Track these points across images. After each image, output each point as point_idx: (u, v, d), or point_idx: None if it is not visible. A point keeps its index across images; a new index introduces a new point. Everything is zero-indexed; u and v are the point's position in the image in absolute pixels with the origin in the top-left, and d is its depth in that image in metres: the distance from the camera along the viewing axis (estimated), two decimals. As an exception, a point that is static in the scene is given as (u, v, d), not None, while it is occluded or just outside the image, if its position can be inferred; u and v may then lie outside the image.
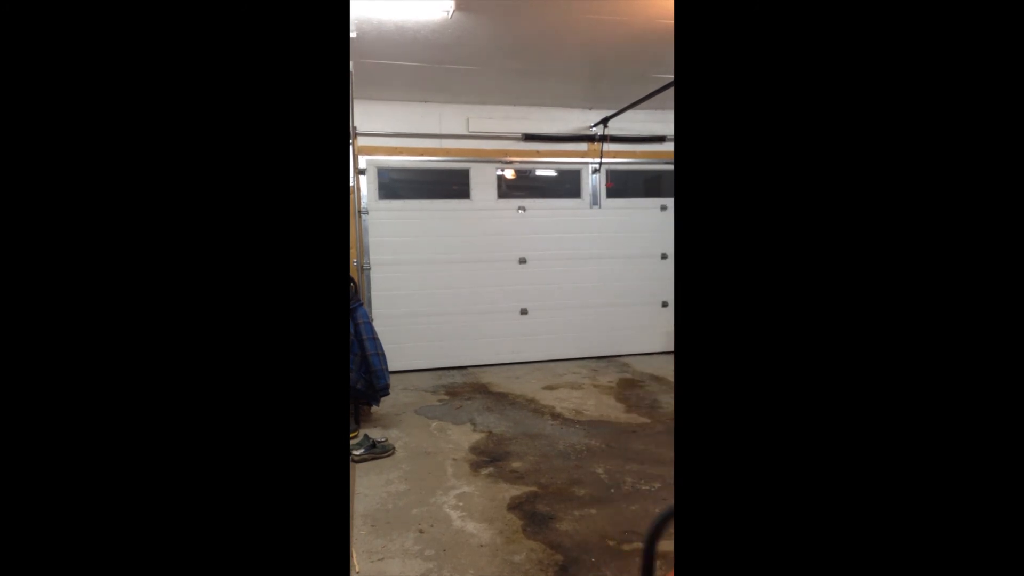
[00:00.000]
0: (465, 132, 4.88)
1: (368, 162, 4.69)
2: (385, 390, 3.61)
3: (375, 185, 4.81)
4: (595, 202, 5.27)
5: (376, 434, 3.34)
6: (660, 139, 5.21)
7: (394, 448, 3.21)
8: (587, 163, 5.19)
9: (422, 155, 4.81)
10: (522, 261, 5.11)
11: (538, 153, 5.06)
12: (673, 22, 0.89)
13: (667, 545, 2.20)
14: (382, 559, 2.16)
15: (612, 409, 3.90)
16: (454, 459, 3.10)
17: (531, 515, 2.47)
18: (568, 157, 5.13)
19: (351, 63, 3.56)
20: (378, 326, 3.82)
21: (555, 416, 3.78)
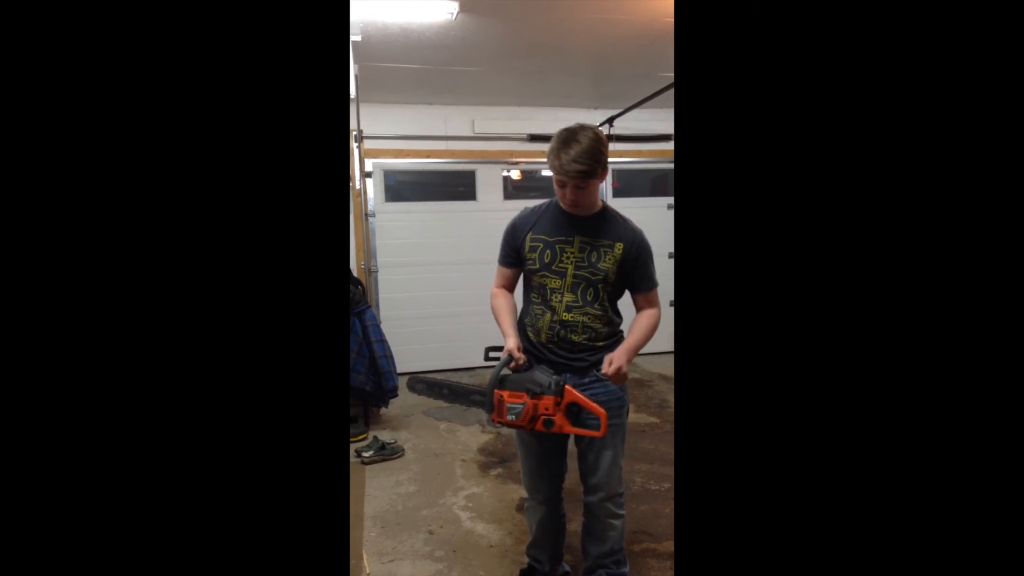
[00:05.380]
0: (471, 134, 4.88)
1: (374, 165, 4.69)
2: (394, 392, 3.62)
3: (381, 188, 4.82)
4: (601, 202, 5.25)
5: (385, 436, 3.35)
6: (666, 138, 5.19)
7: (403, 449, 3.22)
8: (593, 163, 5.18)
9: (428, 157, 4.82)
10: (529, 262, 5.10)
11: (544, 154, 5.04)
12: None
13: (668, 546, 2.20)
14: (392, 560, 2.17)
15: (621, 409, 3.89)
16: (463, 460, 3.10)
17: (541, 515, 2.47)
18: (574, 157, 5.10)
19: (356, 67, 3.57)
20: (386, 328, 3.82)
21: (564, 416, 3.76)
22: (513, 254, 1.73)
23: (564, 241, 1.63)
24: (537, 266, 1.66)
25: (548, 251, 1.64)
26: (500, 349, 1.63)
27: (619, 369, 1.54)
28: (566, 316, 1.62)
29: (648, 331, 1.66)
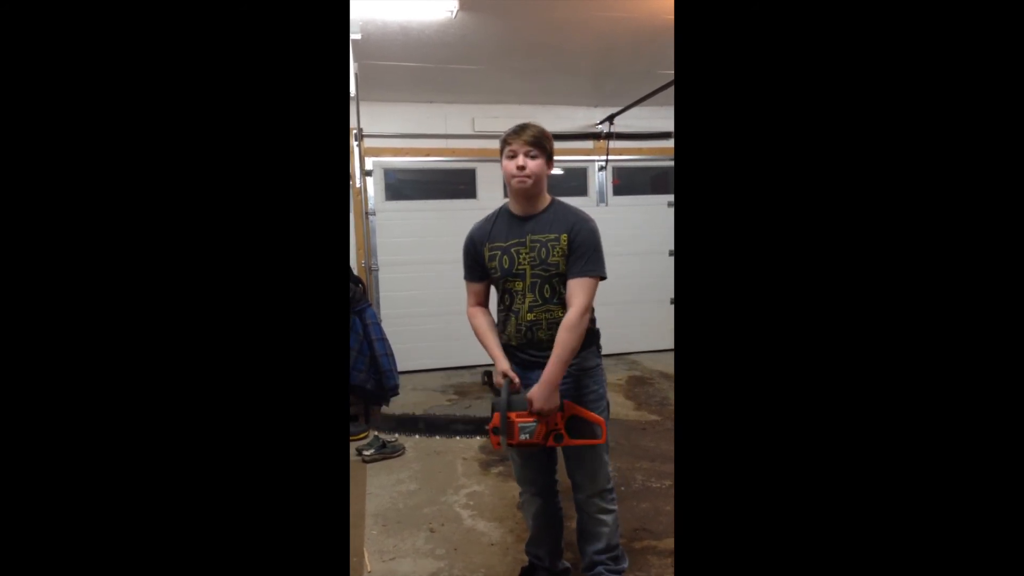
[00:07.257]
0: (471, 132, 4.88)
1: (375, 163, 4.70)
2: (395, 390, 3.62)
3: (382, 186, 4.82)
4: (602, 199, 5.26)
5: (386, 434, 3.35)
6: (667, 135, 5.18)
7: (404, 448, 3.22)
8: (593, 161, 5.18)
9: (428, 156, 4.82)
10: (529, 260, 5.11)
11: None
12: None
13: (668, 543, 2.20)
14: (393, 559, 2.17)
15: (621, 407, 3.89)
16: (464, 458, 3.11)
17: (541, 513, 2.47)
18: (574, 155, 5.12)
19: (356, 65, 3.57)
20: (387, 326, 3.82)
21: (564, 414, 3.76)
22: (477, 268, 1.77)
23: (518, 243, 1.68)
24: (499, 274, 1.71)
25: (506, 256, 1.69)
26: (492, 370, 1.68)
27: (542, 408, 1.57)
28: (529, 316, 1.67)
29: (566, 347, 1.58)
